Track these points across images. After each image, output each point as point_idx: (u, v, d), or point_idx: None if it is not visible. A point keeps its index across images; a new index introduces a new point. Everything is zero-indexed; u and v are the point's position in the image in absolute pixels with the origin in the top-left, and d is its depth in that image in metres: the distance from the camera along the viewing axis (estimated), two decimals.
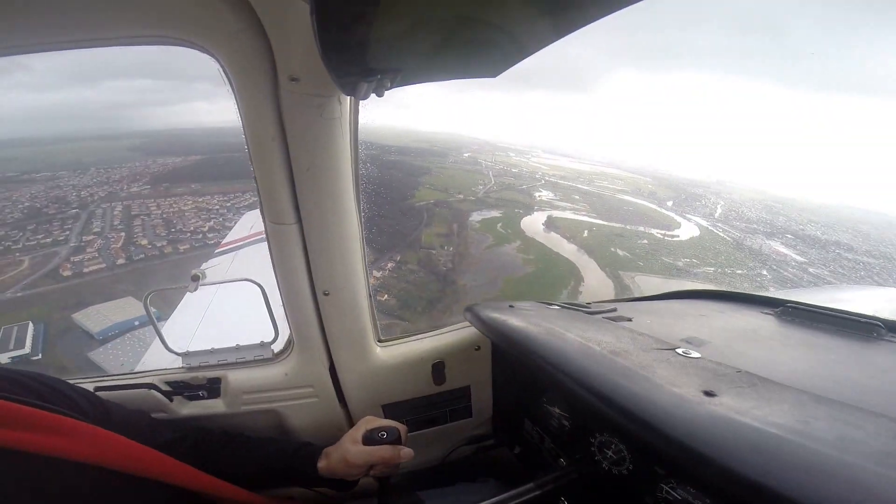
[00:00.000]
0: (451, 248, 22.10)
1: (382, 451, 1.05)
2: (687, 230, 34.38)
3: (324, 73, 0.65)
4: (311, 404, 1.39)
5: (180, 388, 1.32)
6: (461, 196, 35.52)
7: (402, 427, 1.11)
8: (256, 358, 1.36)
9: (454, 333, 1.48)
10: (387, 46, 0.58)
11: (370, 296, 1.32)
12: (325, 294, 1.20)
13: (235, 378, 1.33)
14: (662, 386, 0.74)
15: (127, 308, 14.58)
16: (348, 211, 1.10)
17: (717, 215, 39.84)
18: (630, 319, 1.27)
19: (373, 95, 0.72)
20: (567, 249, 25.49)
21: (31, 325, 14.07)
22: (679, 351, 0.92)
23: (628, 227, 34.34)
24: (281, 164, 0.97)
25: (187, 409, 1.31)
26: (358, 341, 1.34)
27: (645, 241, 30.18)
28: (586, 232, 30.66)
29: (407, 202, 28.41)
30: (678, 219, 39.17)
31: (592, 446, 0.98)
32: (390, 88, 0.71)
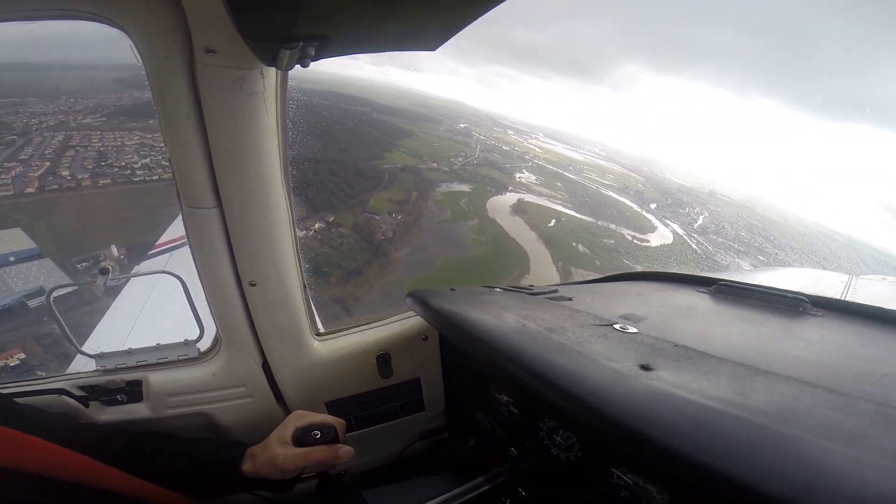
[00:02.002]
0: (400, 217, 20.58)
1: (317, 454, 0.96)
2: (660, 236, 33.45)
3: (243, 43, 0.62)
4: (245, 404, 1.32)
5: (96, 393, 1.21)
6: (434, 165, 33.78)
7: (338, 422, 1.03)
8: (181, 358, 1.27)
9: (399, 324, 1.42)
10: (316, 10, 0.54)
11: (304, 286, 1.23)
12: (252, 285, 1.12)
13: (158, 380, 1.24)
14: (598, 361, 0.73)
15: (9, 240, 12.92)
16: (274, 194, 1.02)
17: (696, 226, 39.01)
18: (570, 299, 1.24)
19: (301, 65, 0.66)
20: (526, 237, 24.28)
21: None
22: (616, 326, 0.92)
23: (600, 223, 33.13)
24: (197, 144, 0.90)
25: (106, 415, 1.22)
26: (292, 335, 1.26)
27: (611, 241, 29.12)
28: (553, 221, 29.46)
29: (370, 162, 26.65)
30: (656, 223, 38.24)
31: (541, 432, 0.97)
32: (316, 59, 0.66)
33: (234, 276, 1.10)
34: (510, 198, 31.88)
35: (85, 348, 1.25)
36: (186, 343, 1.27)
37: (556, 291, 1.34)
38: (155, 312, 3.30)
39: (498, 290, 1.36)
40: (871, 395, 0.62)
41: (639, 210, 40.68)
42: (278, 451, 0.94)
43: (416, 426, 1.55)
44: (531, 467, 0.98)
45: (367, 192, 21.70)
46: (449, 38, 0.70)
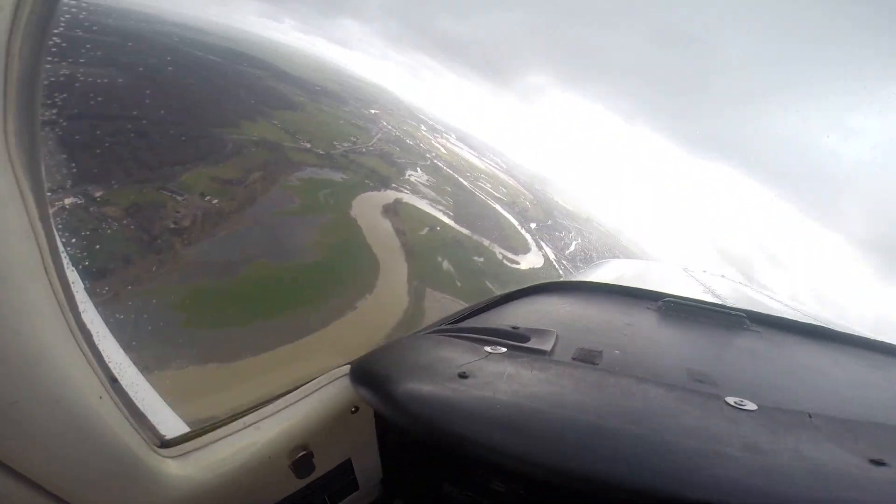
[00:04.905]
0: (216, 202, 16.48)
1: None
2: (532, 259, 34.06)
3: None
4: None
5: None
6: (308, 145, 29.69)
7: None
8: None
9: (316, 397, 1.01)
10: None
11: (112, 378, 0.69)
12: None
13: None
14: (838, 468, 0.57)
15: None
16: None
17: (567, 252, 40.96)
18: (601, 352, 1.11)
19: None
20: (387, 244, 21.98)
21: None
22: (731, 401, 0.76)
23: (475, 236, 32.45)
24: None
25: None
26: (118, 468, 0.73)
27: (481, 259, 28.39)
28: (426, 229, 27.77)
29: (213, 129, 21.72)
30: (532, 244, 39.26)
31: None
32: None
33: None
34: (387, 196, 29.34)
35: None
36: None
37: (548, 332, 1.18)
38: None
39: (486, 349, 1.03)
40: None
41: (518, 228, 41.29)
42: None
43: None
44: None
45: (184, 165, 17.13)
46: None
